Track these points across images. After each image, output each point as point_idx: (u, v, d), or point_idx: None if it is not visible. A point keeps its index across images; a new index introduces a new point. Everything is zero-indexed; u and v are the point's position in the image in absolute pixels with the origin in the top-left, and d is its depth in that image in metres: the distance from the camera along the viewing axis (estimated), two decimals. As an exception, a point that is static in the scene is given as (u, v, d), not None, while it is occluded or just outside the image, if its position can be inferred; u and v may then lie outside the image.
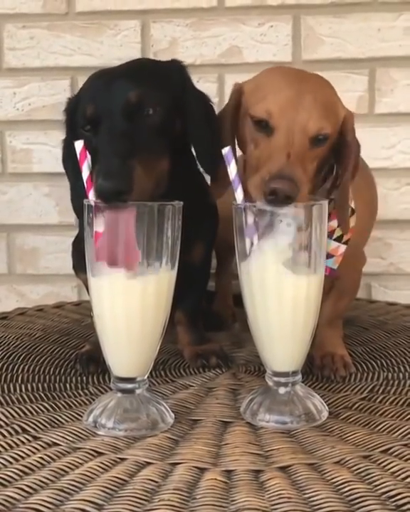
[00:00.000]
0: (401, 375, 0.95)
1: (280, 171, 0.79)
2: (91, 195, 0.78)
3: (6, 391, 0.90)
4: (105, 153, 0.82)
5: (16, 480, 0.66)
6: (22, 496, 0.63)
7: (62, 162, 1.00)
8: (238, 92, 0.91)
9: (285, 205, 0.76)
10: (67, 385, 0.93)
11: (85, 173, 0.78)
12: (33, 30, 1.42)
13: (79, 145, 0.79)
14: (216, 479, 0.65)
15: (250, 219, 0.76)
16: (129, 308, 0.76)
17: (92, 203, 0.76)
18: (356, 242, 0.96)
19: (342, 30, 1.38)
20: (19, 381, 0.94)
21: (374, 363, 1.00)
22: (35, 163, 1.45)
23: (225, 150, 0.80)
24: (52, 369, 0.99)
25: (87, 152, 0.81)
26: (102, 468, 0.68)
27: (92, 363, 0.98)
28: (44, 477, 0.66)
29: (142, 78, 0.90)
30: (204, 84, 1.38)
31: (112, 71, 0.92)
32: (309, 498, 0.62)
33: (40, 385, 0.92)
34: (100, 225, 0.75)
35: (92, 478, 0.66)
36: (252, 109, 0.86)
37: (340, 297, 1.03)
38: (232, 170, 0.79)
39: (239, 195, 0.79)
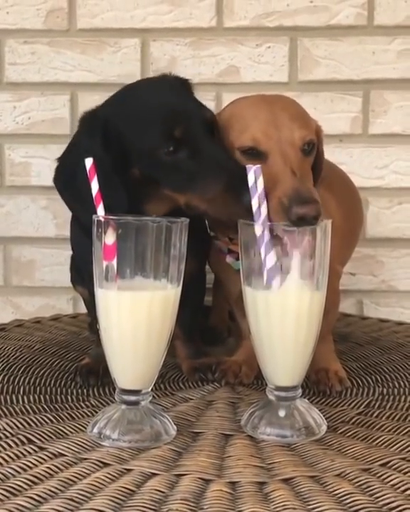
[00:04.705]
0: (395, 390, 0.97)
1: (298, 192, 0.82)
2: (100, 210, 0.80)
3: (9, 402, 0.91)
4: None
5: (26, 489, 0.67)
6: (33, 504, 0.64)
7: (63, 181, 0.93)
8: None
9: (312, 225, 0.79)
10: (69, 397, 0.94)
11: (95, 189, 0.80)
12: (34, 45, 1.44)
13: (89, 162, 0.80)
14: (221, 490, 0.67)
15: (267, 237, 0.78)
16: (136, 323, 0.78)
17: (102, 219, 0.78)
18: None
19: (338, 53, 1.41)
20: (21, 393, 0.95)
21: (368, 379, 1.02)
22: (34, 176, 1.46)
23: (253, 167, 0.80)
24: (52, 381, 1.00)
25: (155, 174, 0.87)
26: (109, 479, 0.69)
27: (92, 376, 1.00)
28: (53, 487, 0.67)
29: None
30: (202, 102, 1.41)
31: (153, 90, 0.94)
32: (313, 509, 0.63)
33: (42, 397, 0.94)
34: (109, 238, 0.76)
35: (99, 488, 0.68)
36: (237, 141, 0.89)
37: (325, 314, 1.05)
38: (259, 186, 0.80)
39: (264, 213, 0.80)
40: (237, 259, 0.96)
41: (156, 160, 0.88)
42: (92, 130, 0.91)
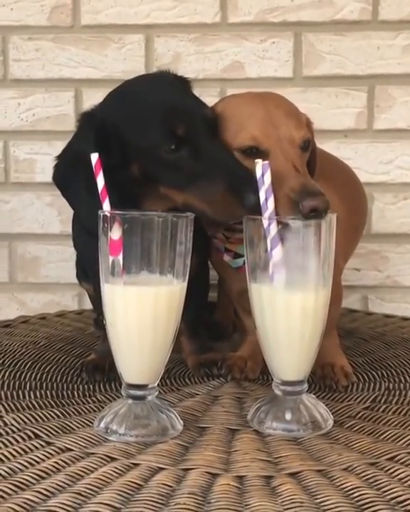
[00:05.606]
0: (402, 385, 0.97)
1: (305, 186, 0.82)
2: (106, 205, 0.80)
3: (16, 398, 0.91)
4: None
5: (33, 484, 0.67)
6: (40, 499, 0.64)
7: (61, 180, 0.94)
8: None
9: (321, 218, 0.80)
10: (75, 393, 0.95)
11: (101, 184, 0.80)
12: (39, 42, 1.45)
13: (94, 157, 0.80)
14: (229, 484, 0.67)
15: (273, 232, 0.78)
16: (142, 318, 0.78)
17: (108, 214, 0.78)
18: None
19: (342, 48, 1.41)
20: (28, 388, 0.95)
21: (374, 374, 1.02)
22: (39, 173, 1.46)
23: (263, 163, 0.80)
24: (59, 377, 1.01)
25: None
26: (117, 473, 0.70)
27: (98, 372, 1.00)
28: (60, 481, 0.67)
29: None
30: (206, 98, 1.39)
31: (153, 87, 0.92)
32: (321, 503, 0.64)
33: (48, 392, 0.94)
34: (115, 233, 0.76)
35: (107, 482, 0.68)
36: (235, 141, 0.88)
37: (329, 308, 1.05)
38: (266, 180, 0.80)
39: (271, 206, 0.80)
40: (234, 257, 0.96)
41: (156, 158, 0.87)
42: (87, 129, 0.91)
